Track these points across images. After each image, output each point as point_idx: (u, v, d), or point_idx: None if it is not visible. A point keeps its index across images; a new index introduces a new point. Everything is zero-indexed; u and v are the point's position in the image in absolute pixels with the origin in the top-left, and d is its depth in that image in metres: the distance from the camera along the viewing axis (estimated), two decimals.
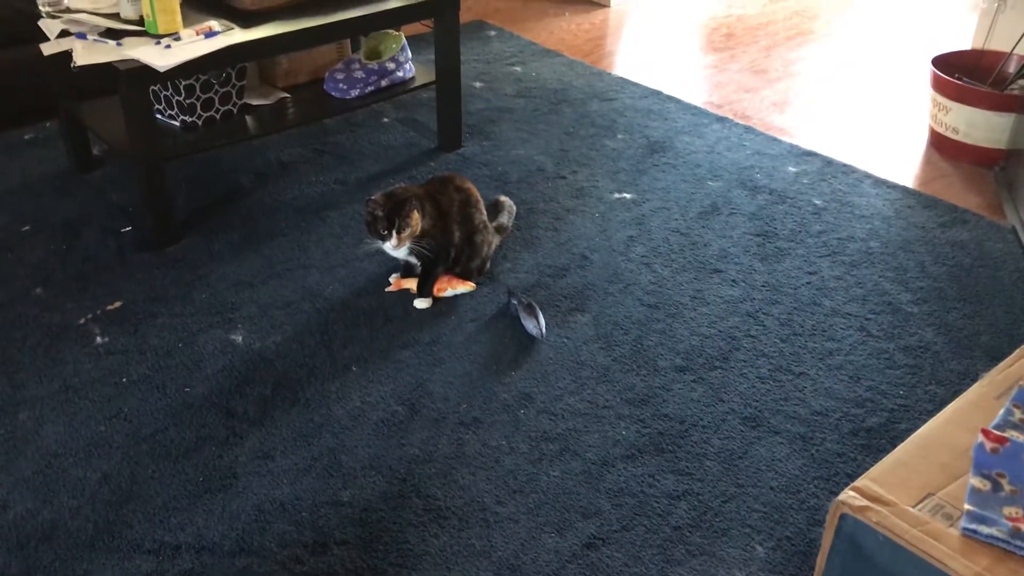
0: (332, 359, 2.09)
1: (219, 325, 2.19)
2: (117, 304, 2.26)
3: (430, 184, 2.34)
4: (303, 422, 1.91)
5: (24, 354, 2.09)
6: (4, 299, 2.27)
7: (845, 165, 2.92)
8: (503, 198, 2.61)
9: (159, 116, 2.67)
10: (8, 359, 2.08)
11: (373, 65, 2.86)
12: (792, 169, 2.89)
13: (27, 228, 2.56)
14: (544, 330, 2.15)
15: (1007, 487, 1.22)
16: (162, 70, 2.23)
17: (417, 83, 2.97)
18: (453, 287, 2.28)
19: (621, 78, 3.55)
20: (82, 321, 2.20)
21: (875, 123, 3.25)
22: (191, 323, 2.20)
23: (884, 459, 1.31)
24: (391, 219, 2.14)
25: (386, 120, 3.21)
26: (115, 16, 2.42)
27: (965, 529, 1.16)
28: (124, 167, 2.83)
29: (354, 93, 2.84)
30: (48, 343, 2.13)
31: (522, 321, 2.17)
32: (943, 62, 3.04)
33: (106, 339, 2.14)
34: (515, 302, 2.21)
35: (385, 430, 1.89)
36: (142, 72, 2.24)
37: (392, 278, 2.33)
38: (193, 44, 2.32)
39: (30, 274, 2.37)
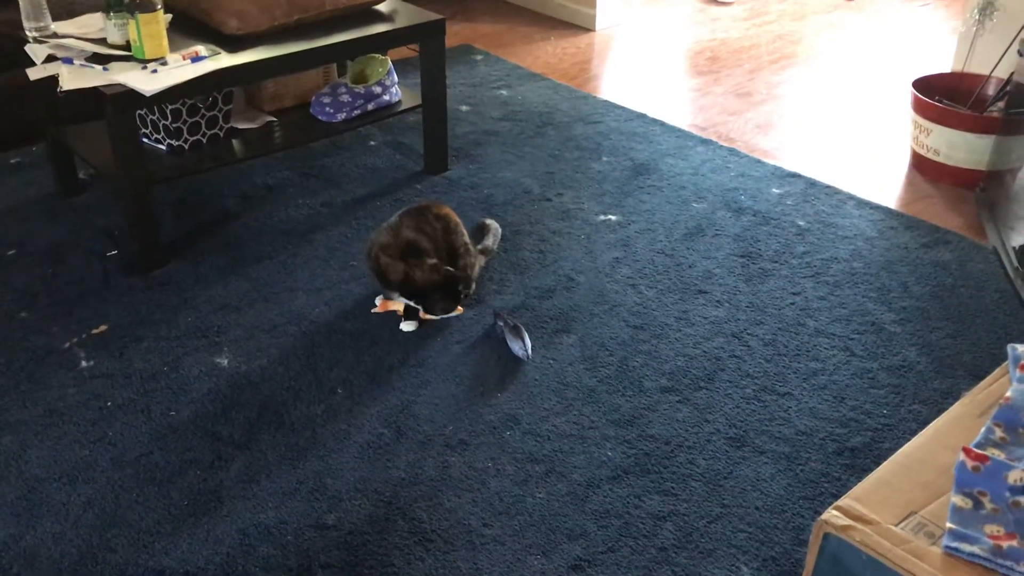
0: (318, 382, 2.09)
1: (204, 348, 2.19)
2: (102, 328, 2.26)
3: (408, 217, 2.33)
4: (288, 445, 1.91)
5: (8, 378, 2.09)
6: None
7: (828, 186, 2.94)
8: (489, 221, 2.63)
9: (145, 140, 2.68)
10: None
11: (359, 89, 2.87)
12: (776, 191, 2.92)
13: (12, 252, 2.56)
14: (530, 351, 2.16)
15: (988, 505, 1.23)
16: (148, 94, 2.24)
17: (403, 107, 2.99)
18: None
19: (606, 101, 3.58)
20: (67, 345, 2.19)
21: (858, 145, 3.28)
22: (176, 347, 2.19)
23: (867, 478, 1.32)
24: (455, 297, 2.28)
25: (372, 143, 3.22)
26: (102, 41, 2.43)
27: (947, 547, 1.16)
28: (110, 191, 2.83)
29: (340, 117, 2.85)
30: (33, 367, 2.12)
31: (508, 343, 2.17)
32: (924, 85, 3.08)
33: (91, 363, 2.14)
34: (501, 324, 2.22)
35: (371, 453, 1.89)
36: (128, 96, 2.25)
37: (378, 300, 2.34)
38: (179, 69, 2.33)
39: (15, 298, 2.36)
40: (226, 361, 2.15)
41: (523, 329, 2.20)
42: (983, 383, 1.51)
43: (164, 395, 2.04)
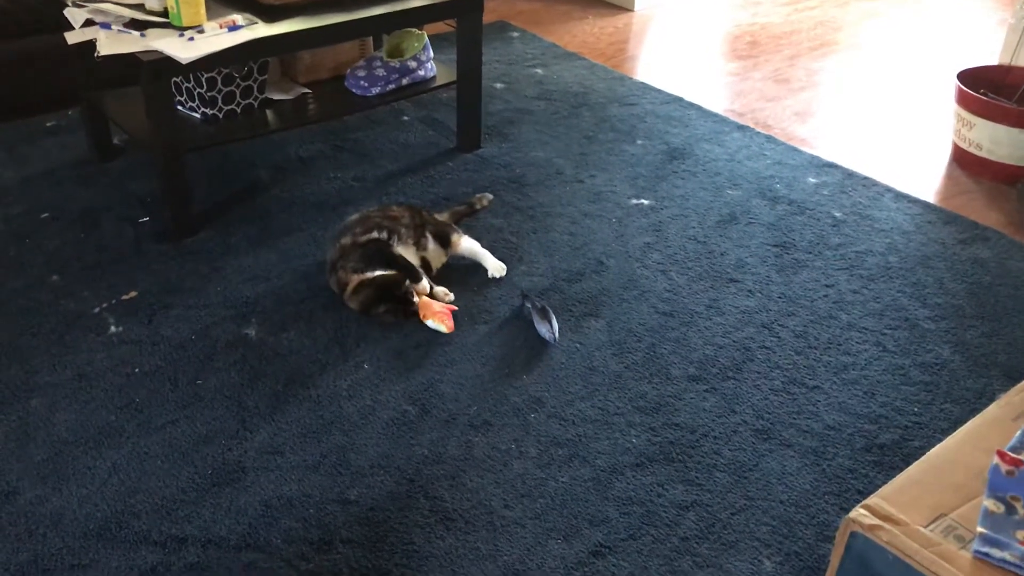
0: (344, 356, 2.09)
1: (233, 319, 2.19)
2: (132, 294, 2.27)
3: (358, 231, 2.29)
4: (313, 418, 1.91)
5: (39, 341, 2.10)
6: (21, 285, 2.29)
7: (866, 178, 2.89)
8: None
9: (180, 108, 2.68)
10: (23, 345, 2.09)
11: (395, 63, 2.86)
12: (812, 180, 2.88)
13: (46, 215, 2.57)
14: (557, 335, 2.14)
15: (1021, 511, 1.21)
16: (184, 62, 2.24)
17: (438, 82, 2.97)
18: (435, 320, 2.16)
19: (642, 83, 3.54)
20: (97, 310, 2.21)
21: (898, 136, 3.22)
22: (205, 315, 2.20)
23: (896, 477, 1.30)
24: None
25: (406, 118, 3.21)
26: (140, 7, 2.43)
27: (977, 552, 1.14)
28: (144, 157, 2.84)
29: (375, 91, 2.84)
30: (63, 331, 2.14)
31: (535, 325, 2.16)
32: (968, 77, 3.01)
33: (120, 329, 2.15)
34: (529, 305, 2.21)
35: (395, 429, 1.89)
36: (164, 64, 2.25)
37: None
38: (216, 37, 2.32)
39: (47, 261, 2.38)
40: (254, 332, 2.15)
41: (551, 312, 2.18)
42: (1019, 385, 1.48)
43: (191, 363, 2.05)
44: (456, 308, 2.21)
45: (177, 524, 1.66)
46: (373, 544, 1.64)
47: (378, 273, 2.17)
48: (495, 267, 2.37)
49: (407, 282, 2.16)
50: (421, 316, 2.16)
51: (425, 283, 2.23)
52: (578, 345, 2.14)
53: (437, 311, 2.16)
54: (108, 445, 1.83)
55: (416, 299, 2.16)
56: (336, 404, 1.95)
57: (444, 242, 2.37)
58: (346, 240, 2.25)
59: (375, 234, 2.25)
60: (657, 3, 4.44)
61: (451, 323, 2.16)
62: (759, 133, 3.18)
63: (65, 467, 1.78)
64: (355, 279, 2.17)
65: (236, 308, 2.23)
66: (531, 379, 2.03)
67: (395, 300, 2.15)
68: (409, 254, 2.27)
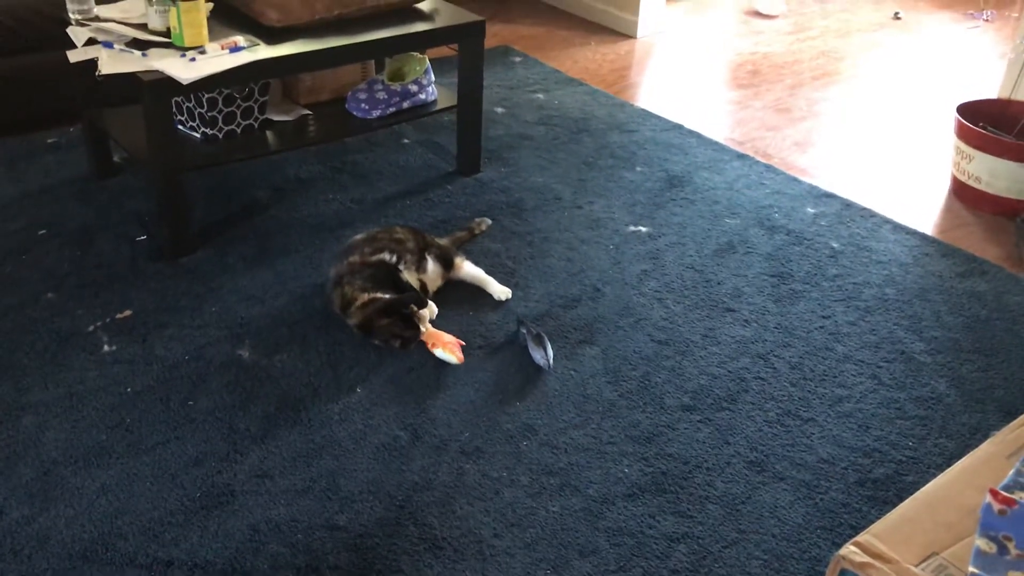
0: (337, 380, 2.08)
1: (227, 339, 2.19)
2: (127, 313, 2.26)
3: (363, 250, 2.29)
4: (304, 442, 1.90)
5: (32, 358, 2.10)
6: (15, 302, 2.28)
7: (864, 209, 2.89)
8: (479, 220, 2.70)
9: (180, 127, 2.69)
10: (15, 363, 2.08)
11: (396, 87, 2.86)
12: (811, 210, 2.88)
13: (43, 232, 2.57)
14: (551, 361, 2.14)
15: (1013, 551, 1.20)
16: (185, 83, 2.24)
17: (439, 106, 2.98)
18: (444, 350, 2.13)
19: (643, 110, 3.55)
20: (91, 328, 2.20)
21: (897, 168, 3.23)
22: (199, 336, 2.19)
23: (888, 514, 1.29)
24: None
25: (406, 141, 3.21)
26: (142, 27, 2.44)
27: None
28: (143, 176, 2.84)
29: (376, 114, 2.85)
30: (56, 348, 2.13)
31: (530, 351, 2.15)
32: (968, 110, 3.02)
33: (114, 347, 2.14)
34: (524, 331, 2.20)
35: (386, 455, 1.88)
36: (165, 84, 2.25)
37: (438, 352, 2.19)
38: (218, 58, 2.33)
39: (43, 278, 2.38)
40: (247, 353, 2.14)
41: (546, 338, 2.17)
42: (1014, 423, 1.47)
43: (184, 384, 2.04)
44: (463, 344, 2.18)
45: (164, 547, 1.65)
46: (360, 571, 1.62)
47: (390, 296, 2.16)
48: (499, 291, 2.37)
49: (413, 306, 2.16)
50: (430, 345, 2.14)
51: (433, 307, 2.24)
52: (572, 372, 2.13)
53: (447, 341, 2.15)
54: (97, 465, 1.82)
55: (424, 329, 2.15)
56: (327, 428, 1.94)
57: (447, 265, 2.37)
58: (354, 258, 2.25)
59: (385, 256, 2.26)
60: (659, 30, 4.46)
61: (460, 354, 2.13)
62: (759, 162, 3.18)
63: (53, 487, 1.76)
64: (364, 297, 2.17)
65: (230, 329, 2.22)
66: (524, 406, 2.02)
67: (402, 320, 2.14)
68: (411, 278, 2.27)
